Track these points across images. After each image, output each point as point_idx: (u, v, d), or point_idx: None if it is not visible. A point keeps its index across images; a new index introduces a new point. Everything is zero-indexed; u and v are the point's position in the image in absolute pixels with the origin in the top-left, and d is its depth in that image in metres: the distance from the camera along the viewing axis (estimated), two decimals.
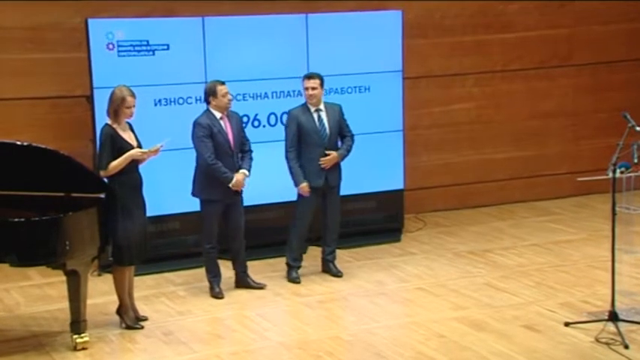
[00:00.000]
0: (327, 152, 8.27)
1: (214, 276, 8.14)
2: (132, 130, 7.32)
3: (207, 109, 7.94)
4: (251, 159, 8.06)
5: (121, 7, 9.10)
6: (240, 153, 8.03)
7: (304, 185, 8.27)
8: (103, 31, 8.48)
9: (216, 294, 8.08)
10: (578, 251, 9.27)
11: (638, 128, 7.11)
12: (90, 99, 8.53)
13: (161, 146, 7.25)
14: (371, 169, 9.01)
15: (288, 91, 9.14)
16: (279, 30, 9.16)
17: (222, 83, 7.90)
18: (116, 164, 7.09)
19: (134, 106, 7.17)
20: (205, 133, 7.83)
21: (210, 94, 7.89)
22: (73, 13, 9.01)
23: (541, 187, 11.36)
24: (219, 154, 7.87)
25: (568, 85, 11.46)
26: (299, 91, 9.18)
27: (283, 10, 9.38)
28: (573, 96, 11.48)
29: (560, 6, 11.21)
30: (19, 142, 7.37)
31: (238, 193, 8.00)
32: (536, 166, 11.39)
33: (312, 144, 8.29)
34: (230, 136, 7.94)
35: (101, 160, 7.13)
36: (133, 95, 7.16)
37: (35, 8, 8.96)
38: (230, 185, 7.87)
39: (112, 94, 7.17)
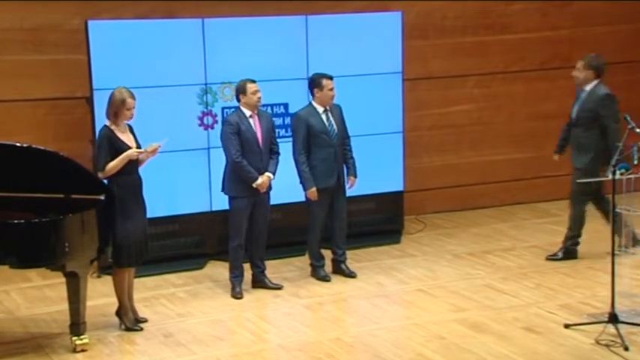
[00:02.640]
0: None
1: (237, 276, 8.16)
2: (132, 132, 7.32)
3: (238, 107, 8.03)
4: (277, 161, 8.14)
5: (121, 8, 9.09)
6: (270, 153, 8.10)
7: (313, 190, 8.30)
8: (103, 32, 8.47)
9: (236, 294, 8.10)
10: (578, 253, 9.25)
11: (638, 130, 7.12)
12: (90, 100, 8.53)
13: (159, 146, 7.25)
14: (371, 170, 9.00)
15: (288, 93, 9.13)
16: (278, 31, 9.16)
17: (253, 82, 7.99)
18: (113, 165, 7.08)
19: (134, 107, 7.18)
20: (233, 130, 7.91)
21: (240, 91, 7.98)
22: (73, 14, 9.01)
23: (541, 188, 11.35)
24: (247, 151, 7.93)
25: (568, 86, 11.36)
26: (299, 92, 9.20)
27: (283, 11, 9.37)
28: (574, 97, 11.44)
29: (560, 7, 11.20)
30: (18, 144, 7.37)
31: (265, 192, 8.07)
32: (536, 167, 11.37)
33: (323, 145, 8.31)
34: (259, 135, 8.00)
35: (99, 162, 7.14)
36: (132, 97, 7.17)
37: (35, 10, 8.95)
38: (254, 185, 7.92)
39: (112, 96, 7.18)
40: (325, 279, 8.50)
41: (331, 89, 8.33)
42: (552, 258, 8.95)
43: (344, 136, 8.51)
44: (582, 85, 8.70)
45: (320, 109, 8.37)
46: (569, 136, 8.90)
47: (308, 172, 8.30)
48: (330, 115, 8.40)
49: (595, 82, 8.65)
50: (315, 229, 8.51)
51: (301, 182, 8.35)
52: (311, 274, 8.61)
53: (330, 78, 8.34)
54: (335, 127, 8.39)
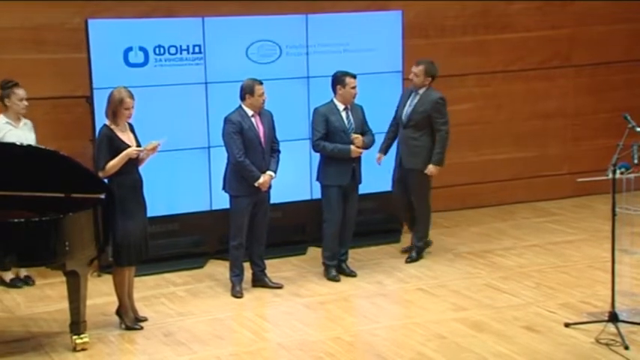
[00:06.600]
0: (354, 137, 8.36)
1: (237, 275, 8.17)
2: (132, 131, 7.32)
3: (240, 106, 8.00)
4: (278, 160, 8.14)
5: (121, 7, 9.09)
6: (270, 151, 8.10)
7: (354, 141, 8.29)
8: (103, 31, 8.47)
9: (236, 293, 8.10)
10: (578, 252, 9.27)
11: (638, 129, 7.12)
12: (90, 100, 8.53)
13: (158, 144, 7.25)
14: (371, 169, 8.98)
15: (288, 92, 9.13)
16: (279, 30, 9.15)
17: (260, 83, 7.98)
18: (114, 164, 7.08)
19: (132, 107, 7.18)
20: (235, 129, 7.90)
21: (247, 92, 7.96)
22: (73, 13, 9.00)
23: (541, 187, 11.35)
24: (249, 150, 7.93)
25: (568, 85, 11.46)
26: (299, 91, 9.21)
27: (283, 10, 9.37)
28: (573, 96, 11.48)
29: (560, 7, 11.20)
30: (18, 143, 7.38)
31: (266, 191, 8.08)
32: (536, 166, 11.38)
33: (341, 142, 8.33)
34: (261, 133, 8.01)
35: (99, 161, 7.14)
36: (131, 97, 7.17)
37: (35, 9, 8.95)
38: (255, 184, 7.92)
39: (111, 95, 7.18)
40: (335, 279, 8.47)
41: (354, 87, 8.35)
42: (409, 260, 9.07)
43: (363, 133, 8.49)
44: (419, 88, 8.89)
45: (340, 107, 8.39)
46: (394, 137, 9.02)
47: (337, 146, 8.27)
48: (350, 113, 8.41)
49: (428, 86, 8.91)
50: (329, 227, 8.47)
51: (341, 153, 8.29)
52: (323, 273, 8.58)
53: (354, 76, 8.36)
54: (354, 126, 8.40)
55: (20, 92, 8.12)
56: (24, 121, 8.19)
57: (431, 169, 8.81)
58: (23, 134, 8.03)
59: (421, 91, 8.88)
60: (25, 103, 8.14)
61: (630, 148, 6.88)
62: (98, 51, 8.43)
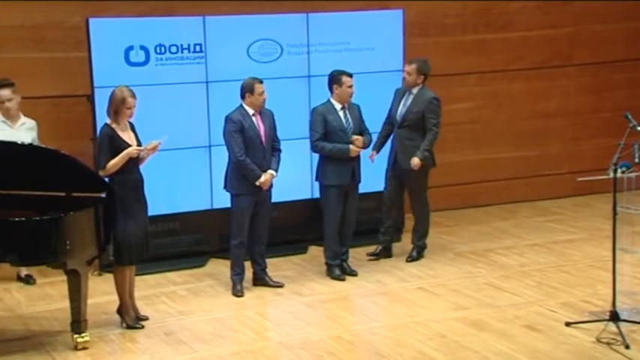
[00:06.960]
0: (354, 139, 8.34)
1: (238, 274, 8.16)
2: (133, 130, 7.32)
3: (241, 105, 8.00)
4: (279, 159, 8.14)
5: (122, 6, 9.09)
6: (271, 150, 8.10)
7: (354, 142, 8.28)
8: (104, 30, 8.48)
9: (237, 292, 8.10)
10: (579, 251, 9.27)
11: (639, 128, 7.11)
12: (91, 98, 8.53)
13: (159, 143, 7.25)
14: (371, 168, 8.99)
15: (289, 91, 9.13)
16: (279, 30, 9.16)
17: (260, 82, 7.98)
18: (114, 163, 7.08)
19: (134, 106, 7.18)
20: (236, 128, 7.90)
21: (247, 90, 7.96)
22: (74, 12, 9.00)
23: (542, 186, 11.36)
24: (250, 149, 7.93)
25: (569, 84, 11.46)
26: (300, 91, 9.21)
27: (284, 9, 9.37)
28: (574, 96, 11.48)
29: (561, 6, 11.20)
30: (19, 142, 7.37)
31: (267, 190, 8.07)
32: (537, 165, 11.38)
33: (339, 142, 8.33)
34: (262, 132, 8.00)
35: (100, 160, 7.14)
36: (133, 96, 7.17)
37: (35, 7, 8.95)
38: (257, 183, 7.92)
39: (113, 95, 7.17)
40: (340, 278, 8.47)
41: (350, 86, 8.34)
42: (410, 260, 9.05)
43: (360, 132, 8.49)
44: (411, 87, 8.86)
45: (338, 106, 8.38)
46: (387, 135, 9.00)
47: (334, 145, 8.27)
48: (347, 112, 8.41)
49: (421, 85, 8.87)
50: (329, 226, 8.47)
51: (339, 154, 8.29)
52: (326, 273, 8.58)
53: (350, 75, 8.35)
54: (352, 125, 8.40)
55: (4, 94, 8.05)
56: (23, 120, 8.17)
57: (415, 161, 8.69)
58: (18, 134, 7.97)
59: (415, 91, 8.85)
60: (8, 105, 8.04)
61: (631, 147, 6.88)
62: (99, 50, 8.44)
